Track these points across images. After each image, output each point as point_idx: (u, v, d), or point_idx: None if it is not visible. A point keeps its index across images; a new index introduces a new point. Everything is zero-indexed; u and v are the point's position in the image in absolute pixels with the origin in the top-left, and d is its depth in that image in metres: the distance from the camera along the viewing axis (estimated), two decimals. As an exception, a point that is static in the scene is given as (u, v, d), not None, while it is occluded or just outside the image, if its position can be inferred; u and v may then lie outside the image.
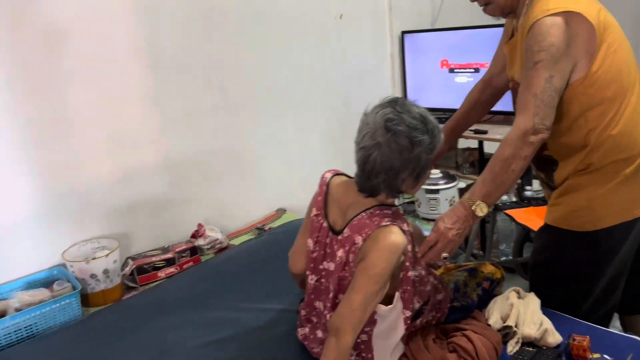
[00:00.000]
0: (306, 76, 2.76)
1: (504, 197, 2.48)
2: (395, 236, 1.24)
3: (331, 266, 1.39)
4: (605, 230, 1.46)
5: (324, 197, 1.44)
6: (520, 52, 1.46)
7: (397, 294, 1.33)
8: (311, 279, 1.46)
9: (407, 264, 1.33)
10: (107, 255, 1.95)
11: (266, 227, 2.51)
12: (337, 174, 1.47)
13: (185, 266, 2.18)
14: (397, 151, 1.23)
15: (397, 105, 1.28)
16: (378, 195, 1.32)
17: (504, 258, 2.69)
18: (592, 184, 1.46)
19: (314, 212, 1.46)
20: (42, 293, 1.84)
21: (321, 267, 1.43)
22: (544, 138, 1.37)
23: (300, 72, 2.72)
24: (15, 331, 1.71)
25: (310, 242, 1.46)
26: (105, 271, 1.95)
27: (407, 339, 1.42)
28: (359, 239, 1.28)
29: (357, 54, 2.96)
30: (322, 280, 1.43)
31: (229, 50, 2.42)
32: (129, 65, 2.13)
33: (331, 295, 1.36)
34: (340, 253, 1.33)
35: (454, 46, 2.88)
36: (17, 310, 1.76)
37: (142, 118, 2.20)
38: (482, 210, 1.39)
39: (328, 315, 1.36)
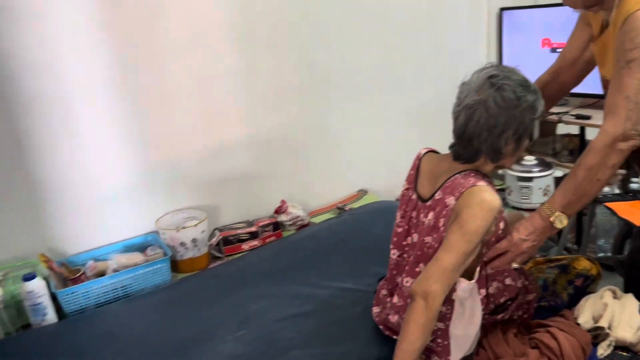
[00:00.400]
0: (397, 56, 2.70)
1: (606, 189, 2.29)
2: (491, 195, 1.20)
3: (415, 237, 1.37)
4: None
5: (415, 170, 1.43)
6: (612, 50, 1.32)
7: (477, 270, 1.27)
8: (393, 254, 1.45)
9: (499, 231, 1.28)
10: (195, 225, 2.06)
11: (347, 207, 2.51)
12: (432, 151, 1.46)
13: (267, 240, 2.25)
14: (502, 107, 1.20)
15: (500, 66, 1.27)
16: (477, 160, 1.28)
17: (601, 254, 2.49)
18: None
19: (405, 186, 1.45)
20: (137, 257, 1.98)
21: (404, 242, 1.41)
22: (635, 145, 1.24)
23: (390, 52, 2.66)
24: (112, 290, 1.86)
25: (397, 216, 1.45)
26: (194, 240, 2.06)
27: (485, 331, 1.37)
28: (451, 200, 1.24)
29: (452, 33, 2.85)
30: (405, 255, 1.41)
31: (320, 28, 2.42)
32: (222, 42, 2.19)
33: (411, 260, 1.34)
34: (429, 216, 1.30)
35: (556, 24, 2.67)
36: (115, 271, 1.91)
37: (233, 94, 2.27)
38: (561, 222, 1.29)
39: (406, 282, 1.34)
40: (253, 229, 2.24)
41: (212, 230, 2.26)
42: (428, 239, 1.30)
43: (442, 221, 1.26)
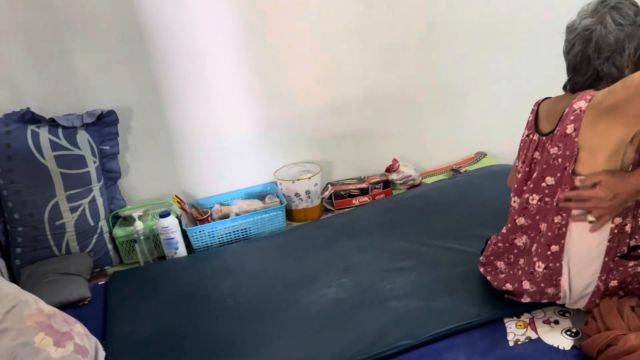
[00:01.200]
0: (524, 10, 2.51)
1: None
2: None
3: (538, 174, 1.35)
4: None
5: (534, 116, 1.40)
6: None
7: None
8: (514, 202, 1.44)
9: None
10: (309, 178, 2.17)
11: (462, 170, 2.46)
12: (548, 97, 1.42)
13: (377, 197, 2.30)
14: (622, 23, 1.18)
15: None
16: (600, 84, 1.23)
17: None
18: None
19: (525, 133, 1.43)
20: (256, 204, 2.15)
21: (525, 187, 1.38)
22: None
23: (517, 4, 2.49)
24: (234, 231, 2.06)
25: (518, 163, 1.44)
26: (307, 192, 2.18)
27: (599, 298, 1.31)
28: (581, 103, 1.19)
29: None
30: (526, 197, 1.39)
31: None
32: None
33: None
34: (554, 150, 1.26)
35: None
36: (237, 215, 2.10)
37: (349, 51, 2.30)
38: None
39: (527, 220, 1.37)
40: (364, 185, 2.31)
41: (325, 184, 2.37)
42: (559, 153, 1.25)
43: (571, 128, 1.20)
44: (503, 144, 2.68)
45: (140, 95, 2.07)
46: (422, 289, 1.56)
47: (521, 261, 1.42)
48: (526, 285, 1.38)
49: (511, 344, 1.31)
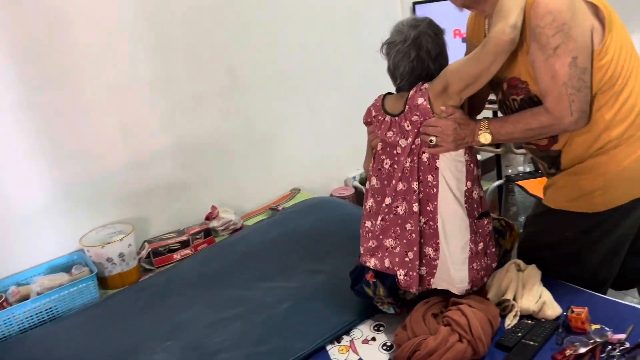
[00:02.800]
0: (318, 55, 2.74)
1: (520, 168, 2.42)
2: None
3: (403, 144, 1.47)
4: (613, 209, 1.41)
5: (381, 102, 1.55)
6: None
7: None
8: (375, 184, 1.54)
9: None
10: (121, 239, 2.03)
11: (280, 207, 2.54)
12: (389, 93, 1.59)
13: (199, 248, 2.24)
14: (436, 33, 1.46)
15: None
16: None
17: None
18: (609, 163, 1.38)
19: (370, 117, 1.57)
20: (62, 277, 1.93)
21: (395, 151, 1.50)
22: (583, 124, 1.32)
23: (311, 51, 2.70)
24: (36, 314, 1.81)
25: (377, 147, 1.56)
26: (121, 254, 2.03)
27: (411, 311, 1.44)
28: (425, 85, 1.42)
29: (369, 29, 2.91)
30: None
31: (237, 31, 2.43)
32: (134, 51, 2.16)
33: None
34: (406, 122, 1.45)
35: (465, 15, 2.79)
36: (39, 294, 1.85)
37: (151, 103, 2.24)
38: (485, 138, 1.39)
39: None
40: (184, 237, 2.23)
41: (142, 242, 2.23)
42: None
43: (421, 100, 1.41)
44: (315, 179, 2.85)
45: None
46: (251, 335, 1.55)
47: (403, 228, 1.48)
48: (389, 242, 1.47)
49: (336, 370, 1.36)
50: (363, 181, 2.97)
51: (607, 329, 1.28)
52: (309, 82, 2.73)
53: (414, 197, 1.43)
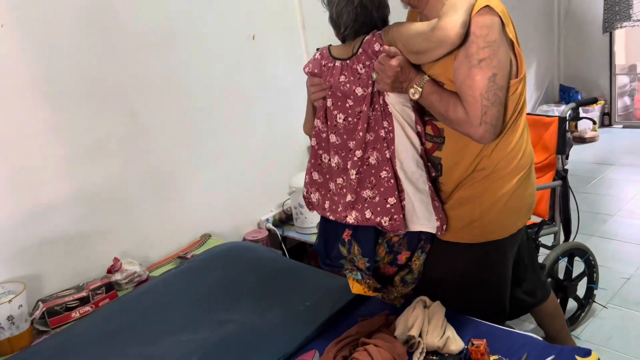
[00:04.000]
0: (225, 97, 2.73)
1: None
2: None
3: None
4: (494, 241, 1.51)
5: (327, 50, 1.56)
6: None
7: None
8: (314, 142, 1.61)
9: None
10: (10, 300, 1.85)
11: (189, 255, 2.46)
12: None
13: (100, 304, 2.10)
14: None
15: None
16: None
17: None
18: (483, 194, 1.47)
19: (317, 67, 1.56)
20: (-63, 348, 1.72)
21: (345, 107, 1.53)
22: (489, 139, 1.37)
23: (218, 93, 2.69)
24: None
25: (316, 102, 1.59)
26: (10, 317, 1.85)
27: (322, 355, 1.44)
28: (379, 31, 1.48)
29: (275, 72, 2.97)
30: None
31: (139, 74, 2.37)
32: (24, 97, 2.04)
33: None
34: (360, 65, 1.47)
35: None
36: None
37: (45, 151, 2.11)
38: (413, 94, 1.41)
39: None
40: (83, 293, 2.08)
41: (35, 302, 2.06)
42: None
43: (377, 46, 1.44)
44: (225, 223, 2.80)
45: None
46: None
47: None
48: (366, 193, 1.50)
49: None
50: (276, 223, 2.96)
51: (504, 359, 1.34)
52: (217, 124, 2.71)
53: (384, 145, 1.47)
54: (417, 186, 1.48)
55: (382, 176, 1.48)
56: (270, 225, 2.91)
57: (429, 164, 1.52)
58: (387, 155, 1.47)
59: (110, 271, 2.23)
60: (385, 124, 1.48)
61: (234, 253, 2.35)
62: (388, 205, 1.47)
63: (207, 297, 1.97)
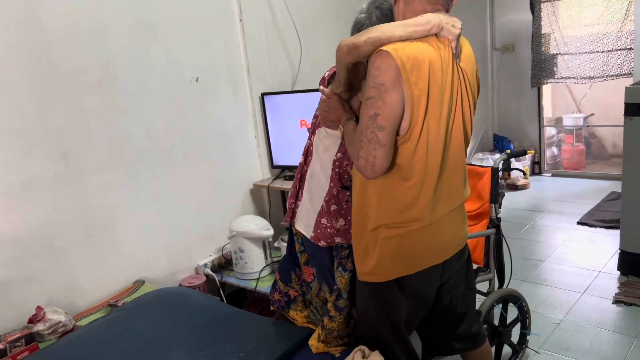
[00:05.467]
0: (165, 138, 2.68)
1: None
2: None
3: None
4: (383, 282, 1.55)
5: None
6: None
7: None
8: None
9: None
10: None
11: (120, 303, 2.33)
12: None
13: (19, 357, 1.94)
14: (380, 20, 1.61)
15: None
16: None
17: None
18: (365, 230, 1.52)
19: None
20: None
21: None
22: (368, 174, 1.41)
23: (158, 135, 2.64)
24: None
25: None
26: None
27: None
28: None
29: (219, 116, 2.96)
30: None
31: (74, 113, 2.29)
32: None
33: None
34: None
35: (311, 107, 2.97)
36: None
37: (-35, 193, 1.98)
38: (339, 131, 1.55)
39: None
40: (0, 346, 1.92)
41: (-58, 357, 1.88)
42: None
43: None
44: (161, 269, 2.70)
45: None
46: None
47: None
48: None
49: None
50: (215, 268, 2.88)
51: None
52: (155, 167, 2.64)
53: (308, 157, 1.77)
54: (310, 199, 1.72)
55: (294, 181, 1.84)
56: (208, 271, 2.83)
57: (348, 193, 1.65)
58: (304, 168, 1.78)
59: (32, 321, 2.08)
60: (313, 137, 1.74)
61: (167, 300, 2.26)
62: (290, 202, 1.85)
63: (135, 349, 1.86)
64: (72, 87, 2.29)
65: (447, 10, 1.49)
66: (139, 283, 2.53)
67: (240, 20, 3.01)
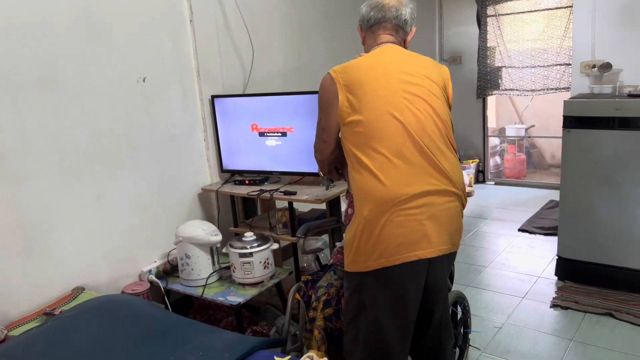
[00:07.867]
0: (109, 141, 2.58)
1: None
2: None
3: None
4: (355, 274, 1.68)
5: None
6: None
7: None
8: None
9: None
10: None
11: (57, 311, 2.22)
12: None
13: (-59, 371, 1.81)
14: None
15: None
16: None
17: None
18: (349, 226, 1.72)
19: None
20: None
21: None
22: (318, 158, 1.95)
23: (102, 137, 2.53)
24: None
25: None
26: None
27: None
28: None
29: (166, 118, 2.88)
30: None
31: (10, 114, 2.17)
32: None
33: None
34: None
35: (262, 111, 2.96)
36: None
37: None
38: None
39: None
40: None
41: None
42: None
43: None
44: (103, 275, 2.59)
45: None
46: None
47: None
48: None
49: None
50: (160, 274, 2.79)
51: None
52: (99, 170, 2.53)
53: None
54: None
55: None
56: (152, 277, 2.74)
57: None
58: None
59: (-43, 332, 1.94)
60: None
61: (108, 308, 2.17)
62: None
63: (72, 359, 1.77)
64: (10, 86, 2.16)
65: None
66: (79, 290, 2.41)
67: (191, 21, 2.95)
